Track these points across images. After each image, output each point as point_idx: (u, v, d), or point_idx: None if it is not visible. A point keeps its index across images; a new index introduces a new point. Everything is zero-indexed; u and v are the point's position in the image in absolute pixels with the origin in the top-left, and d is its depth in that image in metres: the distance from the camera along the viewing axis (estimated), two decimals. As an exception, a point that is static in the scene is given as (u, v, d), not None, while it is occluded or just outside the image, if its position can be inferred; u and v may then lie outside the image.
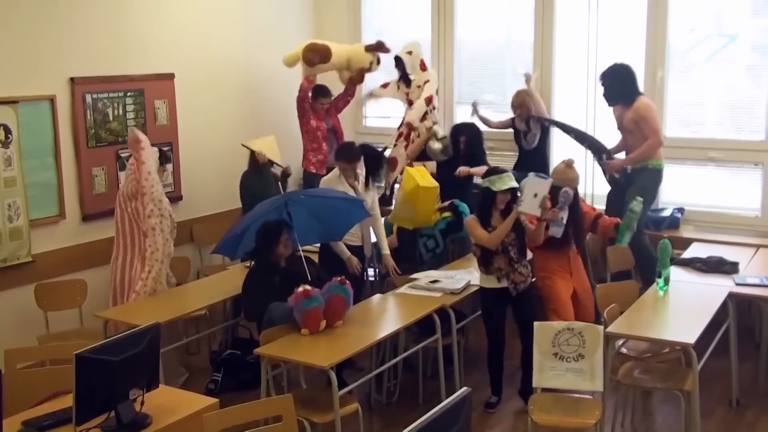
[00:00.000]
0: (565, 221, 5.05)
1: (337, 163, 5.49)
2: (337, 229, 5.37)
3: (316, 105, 6.82)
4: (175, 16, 6.39)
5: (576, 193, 5.30)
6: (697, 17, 6.42)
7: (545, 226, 4.92)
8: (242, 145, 6.11)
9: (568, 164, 5.29)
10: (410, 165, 6.49)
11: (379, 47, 6.88)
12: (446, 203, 5.97)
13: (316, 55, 6.63)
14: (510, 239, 4.88)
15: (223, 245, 5.21)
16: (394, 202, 6.79)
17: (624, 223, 5.25)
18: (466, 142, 6.49)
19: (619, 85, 5.91)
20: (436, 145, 6.61)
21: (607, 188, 6.19)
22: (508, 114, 6.83)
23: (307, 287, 4.43)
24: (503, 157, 7.02)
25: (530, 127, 6.62)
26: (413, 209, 5.76)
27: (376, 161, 5.65)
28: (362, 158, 5.54)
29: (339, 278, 4.56)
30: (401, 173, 6.66)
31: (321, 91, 6.85)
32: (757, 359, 5.32)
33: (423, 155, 6.82)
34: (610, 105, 6.05)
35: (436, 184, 5.79)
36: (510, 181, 4.84)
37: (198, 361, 5.87)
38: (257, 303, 4.71)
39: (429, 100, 6.83)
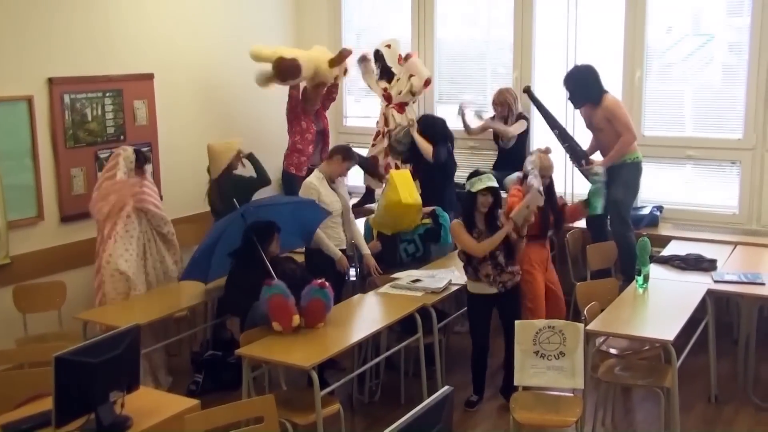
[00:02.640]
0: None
1: (346, 163, 5.53)
2: (304, 234, 5.40)
3: (308, 108, 6.82)
4: (154, 15, 6.35)
5: (551, 182, 5.34)
6: (674, 17, 6.47)
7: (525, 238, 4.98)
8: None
9: (545, 151, 5.33)
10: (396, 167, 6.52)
11: (341, 58, 6.78)
12: (428, 209, 5.96)
13: (287, 74, 6.48)
14: (496, 247, 4.89)
15: (191, 270, 5.15)
16: (376, 201, 6.82)
17: (591, 190, 5.30)
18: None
19: (583, 87, 5.96)
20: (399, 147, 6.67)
21: (586, 187, 6.22)
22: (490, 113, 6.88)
23: (270, 280, 4.46)
24: (483, 156, 7.06)
25: (506, 123, 6.65)
26: (394, 220, 5.76)
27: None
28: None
29: (319, 281, 4.56)
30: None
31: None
32: (735, 355, 5.37)
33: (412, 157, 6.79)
34: (576, 107, 6.11)
35: (419, 201, 5.77)
36: (489, 181, 4.85)
37: (179, 362, 5.84)
38: (240, 299, 4.71)
39: (428, 83, 6.90)
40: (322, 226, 5.41)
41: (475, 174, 4.95)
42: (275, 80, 6.55)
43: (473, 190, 4.84)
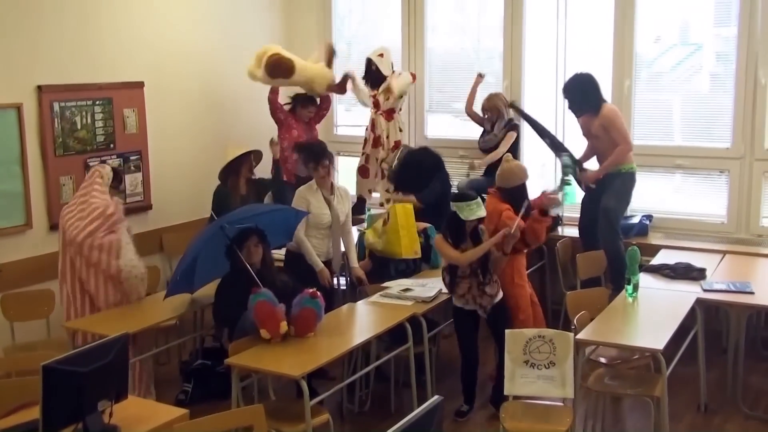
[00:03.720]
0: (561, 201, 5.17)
1: (311, 165, 5.50)
2: (285, 233, 5.37)
3: (303, 113, 6.84)
4: (144, 23, 6.34)
5: (526, 189, 5.28)
6: (662, 27, 6.51)
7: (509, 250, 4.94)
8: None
9: (506, 159, 5.31)
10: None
11: (341, 87, 6.80)
12: (420, 226, 5.90)
13: (278, 70, 6.48)
14: (476, 263, 4.89)
15: (175, 288, 5.09)
16: (367, 211, 6.81)
17: (563, 181, 5.27)
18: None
19: (583, 96, 5.97)
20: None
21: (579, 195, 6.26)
22: (478, 126, 6.86)
23: (257, 288, 4.44)
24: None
25: (493, 128, 6.65)
26: (389, 254, 5.75)
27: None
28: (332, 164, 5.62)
29: (311, 291, 4.54)
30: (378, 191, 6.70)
31: (308, 98, 6.87)
32: (724, 364, 5.38)
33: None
34: (577, 116, 6.11)
35: (419, 253, 5.73)
36: (478, 211, 4.83)
37: (168, 371, 5.81)
38: (229, 308, 4.69)
39: (414, 78, 6.97)
40: (306, 234, 5.41)
41: (463, 196, 4.90)
42: (263, 75, 6.49)
43: (462, 217, 4.83)
